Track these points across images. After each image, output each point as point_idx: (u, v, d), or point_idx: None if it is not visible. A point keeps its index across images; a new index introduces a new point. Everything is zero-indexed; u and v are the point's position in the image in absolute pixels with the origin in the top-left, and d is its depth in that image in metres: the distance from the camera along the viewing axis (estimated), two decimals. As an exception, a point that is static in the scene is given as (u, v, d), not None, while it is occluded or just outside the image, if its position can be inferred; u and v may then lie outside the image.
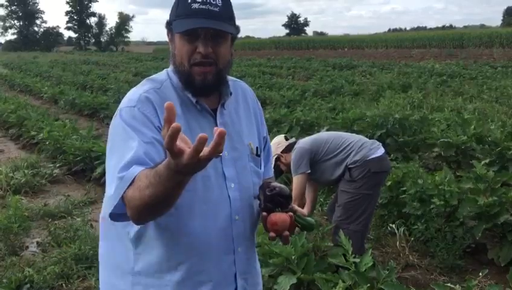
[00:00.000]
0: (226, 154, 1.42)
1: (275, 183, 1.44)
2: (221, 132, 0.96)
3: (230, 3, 1.39)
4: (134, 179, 1.18)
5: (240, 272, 1.46)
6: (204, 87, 1.37)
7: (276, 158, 3.68)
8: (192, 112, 1.40)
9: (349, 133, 3.91)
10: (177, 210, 1.31)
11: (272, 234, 1.39)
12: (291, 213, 1.42)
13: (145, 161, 1.23)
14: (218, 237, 1.40)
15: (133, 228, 1.37)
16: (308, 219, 1.52)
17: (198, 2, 1.33)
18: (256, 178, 1.51)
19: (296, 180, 3.53)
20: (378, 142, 3.61)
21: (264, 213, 1.40)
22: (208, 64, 1.35)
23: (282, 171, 3.79)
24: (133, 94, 1.39)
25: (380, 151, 3.47)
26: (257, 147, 1.54)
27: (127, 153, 1.25)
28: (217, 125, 1.42)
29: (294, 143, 3.69)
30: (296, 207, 1.50)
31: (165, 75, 1.46)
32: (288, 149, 3.67)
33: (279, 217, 1.39)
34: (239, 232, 1.43)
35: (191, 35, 1.34)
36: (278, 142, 3.77)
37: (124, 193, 1.19)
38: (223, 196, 1.40)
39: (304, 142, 3.64)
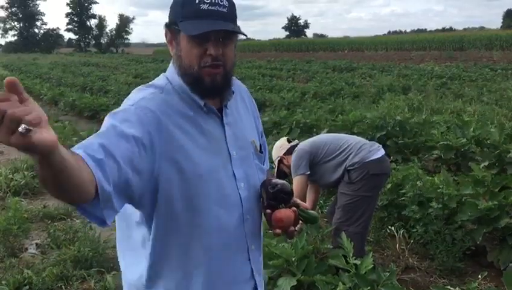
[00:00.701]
0: (234, 154, 1.41)
1: (276, 180, 1.44)
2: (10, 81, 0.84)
3: (234, 4, 1.37)
4: None
5: (255, 270, 1.47)
6: (213, 89, 1.35)
7: (279, 160, 3.69)
8: (200, 115, 1.38)
9: (349, 135, 3.91)
10: (194, 215, 1.32)
11: (277, 230, 1.39)
12: (294, 208, 1.43)
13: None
14: (234, 237, 1.39)
15: (144, 234, 1.35)
16: (311, 211, 1.53)
17: (207, 3, 1.29)
18: (262, 175, 1.51)
19: (296, 181, 3.53)
20: (378, 144, 3.61)
21: (268, 210, 1.40)
22: (217, 66, 1.32)
23: (286, 174, 3.79)
24: (135, 96, 1.36)
25: (380, 153, 3.46)
26: (260, 145, 1.54)
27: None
28: (223, 126, 1.41)
29: (296, 145, 3.69)
30: (299, 201, 1.51)
31: (164, 80, 1.42)
32: (290, 151, 3.68)
33: (284, 213, 1.39)
34: (249, 230, 1.43)
35: (201, 37, 1.30)
36: (280, 145, 3.78)
37: None
38: (235, 197, 1.39)
39: (304, 144, 3.65)
